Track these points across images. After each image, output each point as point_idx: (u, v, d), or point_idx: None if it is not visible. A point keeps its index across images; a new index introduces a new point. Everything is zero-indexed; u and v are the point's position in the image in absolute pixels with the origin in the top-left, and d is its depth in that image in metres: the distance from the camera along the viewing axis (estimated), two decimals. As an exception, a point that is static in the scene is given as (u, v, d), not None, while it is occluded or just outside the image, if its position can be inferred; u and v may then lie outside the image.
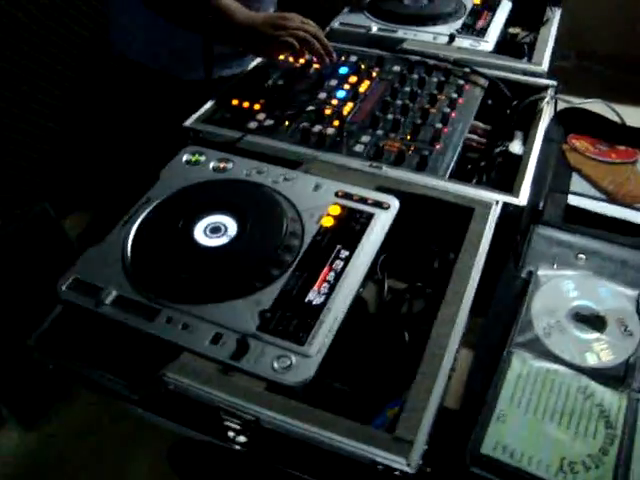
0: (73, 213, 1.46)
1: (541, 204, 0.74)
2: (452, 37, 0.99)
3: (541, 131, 0.81)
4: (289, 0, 1.15)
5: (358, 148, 0.77)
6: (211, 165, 0.72)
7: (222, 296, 0.57)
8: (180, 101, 0.89)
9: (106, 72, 1.27)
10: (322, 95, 0.87)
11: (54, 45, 1.37)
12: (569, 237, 0.69)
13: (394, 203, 0.66)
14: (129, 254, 0.61)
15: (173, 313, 0.56)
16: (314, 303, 0.56)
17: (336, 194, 0.67)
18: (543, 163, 0.79)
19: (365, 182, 0.70)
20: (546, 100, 0.86)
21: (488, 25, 1.03)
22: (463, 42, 0.98)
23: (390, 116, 0.82)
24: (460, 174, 0.77)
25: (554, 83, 0.90)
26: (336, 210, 0.65)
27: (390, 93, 0.87)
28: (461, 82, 0.88)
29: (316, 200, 0.66)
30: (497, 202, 0.67)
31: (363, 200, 0.66)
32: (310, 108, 0.84)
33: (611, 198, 0.77)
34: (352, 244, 0.62)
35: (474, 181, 0.77)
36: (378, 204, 0.66)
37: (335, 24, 1.06)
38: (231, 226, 0.63)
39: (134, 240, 0.62)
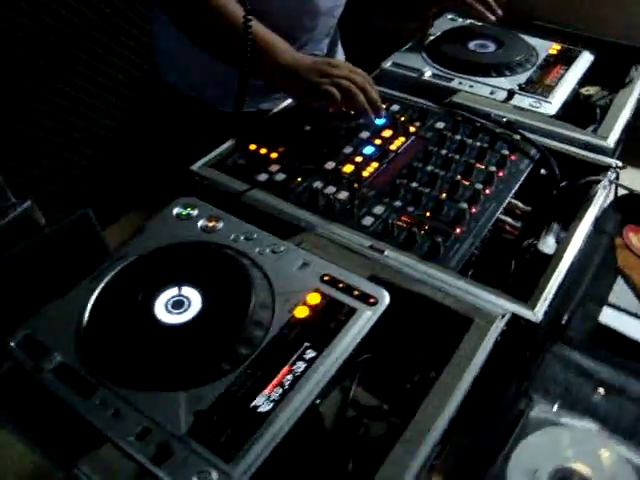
0: (118, 222, 1.50)
1: (566, 315, 0.66)
2: (511, 94, 0.90)
3: (587, 223, 0.72)
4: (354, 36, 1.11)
5: (367, 221, 0.71)
6: (199, 223, 0.69)
7: (161, 384, 0.53)
8: (215, 132, 0.87)
9: (151, 94, 1.29)
10: (348, 149, 0.82)
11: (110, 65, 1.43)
12: (591, 364, 0.61)
13: (383, 299, 0.60)
14: (86, 318, 0.59)
15: (108, 395, 0.53)
16: (259, 410, 0.52)
17: (322, 278, 0.62)
18: (583, 261, 0.70)
19: (360, 267, 0.65)
20: (602, 183, 0.77)
21: (557, 82, 0.94)
22: (523, 101, 0.90)
23: (414, 185, 0.75)
24: (479, 264, 0.70)
25: (618, 164, 0.80)
26: (315, 299, 0.60)
27: (423, 156, 0.80)
28: (506, 152, 0.79)
29: (297, 282, 0.61)
30: (503, 315, 0.60)
31: (349, 290, 0.61)
32: (329, 165, 0.79)
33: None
34: (322, 344, 0.56)
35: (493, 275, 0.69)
36: (364, 297, 0.60)
37: (387, 64, 1.00)
38: (195, 302, 0.60)
39: (94, 302, 0.60)
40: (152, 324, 0.58)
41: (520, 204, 0.77)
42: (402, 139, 0.84)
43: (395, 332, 0.60)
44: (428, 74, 0.96)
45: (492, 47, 1.02)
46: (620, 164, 0.80)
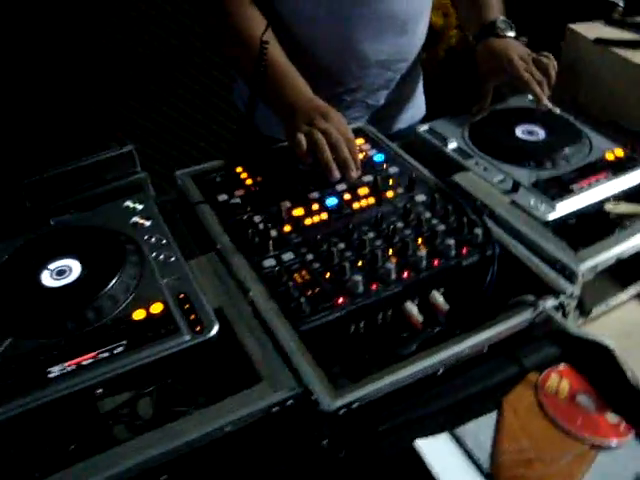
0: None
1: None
2: (516, 186, 0.87)
3: (479, 339, 0.69)
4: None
5: (268, 262, 0.77)
6: (133, 219, 0.83)
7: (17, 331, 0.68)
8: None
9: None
10: (314, 195, 0.88)
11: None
12: None
13: (210, 331, 0.67)
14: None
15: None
16: (49, 376, 0.64)
17: (178, 294, 0.72)
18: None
19: (220, 296, 0.73)
20: (537, 310, 0.72)
21: (584, 190, 0.87)
22: (526, 197, 0.86)
23: (340, 245, 0.79)
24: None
25: (574, 293, 0.74)
26: (157, 308, 0.70)
27: (374, 222, 0.83)
28: (451, 241, 0.78)
29: (158, 289, 0.72)
30: (293, 388, 0.63)
31: (189, 312, 0.69)
32: (284, 205, 0.86)
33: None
34: (133, 347, 0.66)
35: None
36: (195, 323, 0.68)
37: (421, 128, 1.02)
38: (75, 272, 0.74)
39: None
40: (35, 287, 0.73)
41: (440, 299, 0.76)
42: (371, 201, 0.87)
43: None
44: (450, 147, 0.96)
45: (540, 135, 0.98)
46: (575, 293, 0.74)
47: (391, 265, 0.75)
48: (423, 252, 0.76)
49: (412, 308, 0.74)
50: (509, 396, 0.69)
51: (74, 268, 0.75)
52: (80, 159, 0.87)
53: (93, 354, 0.66)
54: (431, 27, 1.23)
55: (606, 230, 0.84)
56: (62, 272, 0.74)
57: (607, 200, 0.88)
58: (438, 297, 0.76)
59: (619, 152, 0.95)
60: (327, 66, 1.09)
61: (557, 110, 1.01)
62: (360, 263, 0.77)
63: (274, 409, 0.62)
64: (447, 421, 0.66)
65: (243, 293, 0.73)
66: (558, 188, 0.88)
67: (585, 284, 0.77)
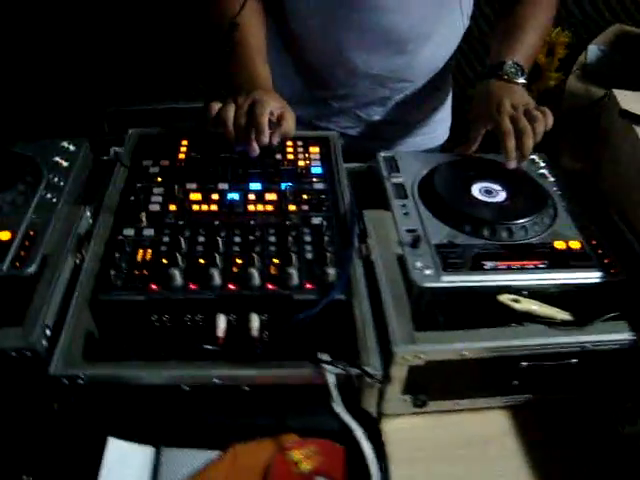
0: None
1: None
2: (416, 242, 0.81)
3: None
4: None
5: (127, 231, 0.83)
6: (56, 158, 0.94)
7: None
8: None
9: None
10: (222, 186, 0.91)
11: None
12: None
13: (29, 268, 0.76)
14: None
15: None
16: None
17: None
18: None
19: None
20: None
21: (493, 272, 0.80)
22: (419, 257, 0.80)
23: (199, 238, 0.82)
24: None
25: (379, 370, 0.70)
26: (5, 235, 0.80)
27: (244, 228, 0.84)
28: (293, 272, 0.77)
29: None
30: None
31: (27, 246, 0.79)
32: (190, 185, 0.91)
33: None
34: None
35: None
36: (21, 260, 0.78)
37: (383, 154, 0.99)
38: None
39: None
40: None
41: (255, 324, 0.75)
42: (269, 208, 0.88)
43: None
44: (394, 181, 0.92)
45: (498, 197, 0.90)
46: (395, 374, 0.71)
47: (215, 272, 0.76)
48: (255, 272, 0.76)
49: (220, 321, 0.75)
50: (243, 445, 0.68)
51: None
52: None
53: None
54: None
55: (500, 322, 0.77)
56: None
57: (520, 291, 0.79)
58: (254, 321, 0.76)
59: (575, 244, 0.84)
60: (316, 67, 1.10)
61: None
62: (202, 261, 0.79)
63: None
64: (162, 436, 0.68)
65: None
66: (468, 260, 0.80)
67: (424, 372, 0.73)
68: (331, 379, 0.68)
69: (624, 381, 0.81)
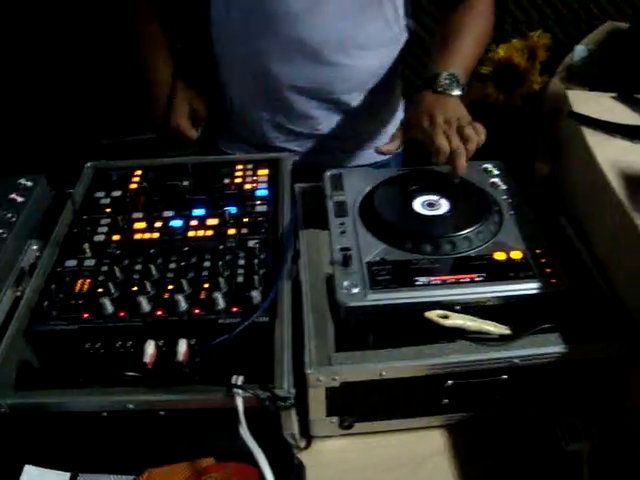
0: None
1: None
2: (347, 260, 0.84)
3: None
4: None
5: (69, 262, 0.89)
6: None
7: None
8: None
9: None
10: (168, 213, 0.97)
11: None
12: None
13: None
14: None
15: None
16: None
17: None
18: None
19: None
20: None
21: (425, 288, 0.81)
22: (348, 275, 0.82)
23: (136, 266, 0.87)
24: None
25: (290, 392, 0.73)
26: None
27: (179, 255, 0.88)
28: (218, 296, 0.81)
29: None
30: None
31: None
32: (135, 215, 0.96)
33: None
34: None
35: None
36: None
37: (330, 172, 1.02)
38: None
39: None
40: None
41: (182, 348, 0.79)
42: (209, 233, 0.92)
43: None
44: (335, 199, 0.95)
45: (440, 209, 0.92)
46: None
47: (143, 299, 0.81)
48: (181, 298, 0.81)
49: (148, 347, 0.80)
50: (158, 469, 0.71)
51: None
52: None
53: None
54: (513, 69, 1.18)
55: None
56: None
57: (453, 306, 0.81)
58: (181, 346, 0.80)
59: (517, 254, 0.85)
60: (242, 77, 1.17)
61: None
62: (134, 288, 0.84)
63: None
64: (79, 462, 0.73)
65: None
66: (399, 276, 0.82)
67: (347, 393, 0.75)
68: (239, 403, 0.71)
69: (564, 395, 0.81)
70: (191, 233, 0.93)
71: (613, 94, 1.01)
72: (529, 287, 0.81)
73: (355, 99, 1.19)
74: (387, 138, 1.22)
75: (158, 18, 1.18)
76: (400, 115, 1.33)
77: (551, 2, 1.71)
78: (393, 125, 1.29)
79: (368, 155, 1.26)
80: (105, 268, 0.88)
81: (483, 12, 1.12)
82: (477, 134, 0.91)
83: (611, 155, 0.87)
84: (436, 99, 0.98)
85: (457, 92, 1.00)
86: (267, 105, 1.20)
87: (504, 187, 0.97)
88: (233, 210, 0.96)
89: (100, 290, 0.84)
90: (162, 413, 0.74)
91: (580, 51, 1.36)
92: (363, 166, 1.26)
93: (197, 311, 0.81)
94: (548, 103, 1.10)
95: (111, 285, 0.83)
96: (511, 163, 1.05)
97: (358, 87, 1.18)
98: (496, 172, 1.01)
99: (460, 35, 1.07)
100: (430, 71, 1.03)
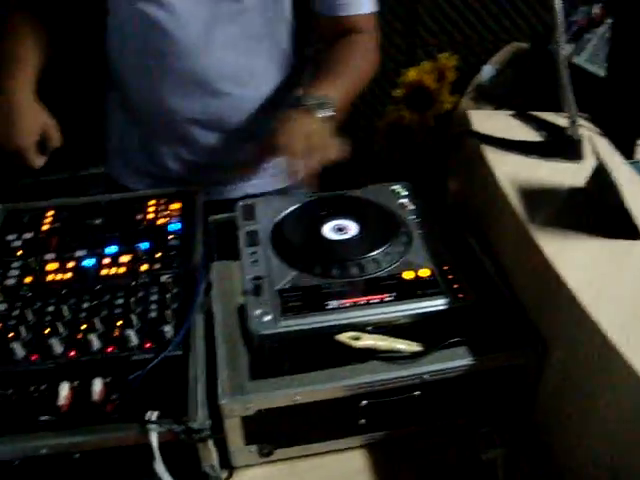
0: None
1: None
2: (258, 289, 0.86)
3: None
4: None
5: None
6: None
7: None
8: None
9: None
10: (80, 253, 0.97)
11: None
12: None
13: None
14: None
15: None
16: None
17: None
18: None
19: None
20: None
21: (337, 311, 0.83)
22: (260, 303, 0.84)
23: (47, 306, 0.87)
24: None
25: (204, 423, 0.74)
26: None
27: (91, 294, 0.89)
28: (131, 332, 0.82)
29: None
30: None
31: None
32: (48, 256, 0.96)
33: None
34: None
35: None
36: None
37: (242, 202, 1.04)
38: None
39: None
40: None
41: (97, 388, 0.80)
42: (122, 270, 0.93)
43: None
44: (246, 229, 0.97)
45: (349, 232, 0.95)
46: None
47: (55, 341, 0.81)
48: (93, 337, 0.81)
49: (62, 390, 0.80)
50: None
51: None
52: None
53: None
54: (423, 91, 1.22)
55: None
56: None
57: (365, 327, 0.83)
58: (96, 385, 0.80)
59: (425, 272, 0.88)
60: (142, 112, 1.19)
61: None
62: (47, 330, 0.84)
63: None
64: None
65: None
66: (310, 301, 0.84)
67: (263, 420, 0.77)
68: (154, 438, 0.72)
69: (478, 406, 0.84)
70: (104, 271, 0.93)
71: (512, 112, 1.06)
72: (437, 303, 0.84)
73: (255, 128, 1.21)
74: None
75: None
76: None
77: (459, 26, 1.81)
78: None
79: (264, 184, 1.28)
80: (16, 312, 0.87)
81: (363, 50, 1.17)
82: (328, 151, 0.95)
83: (509, 171, 0.92)
84: (299, 119, 1.01)
85: (323, 114, 1.03)
86: (168, 138, 1.22)
87: (412, 207, 1.01)
88: (146, 246, 0.97)
89: (11, 335, 0.83)
90: (77, 455, 0.74)
91: (487, 71, 1.43)
92: (271, 193, 1.28)
93: (110, 349, 0.81)
94: (456, 123, 1.15)
95: (22, 329, 0.83)
96: (426, 182, 1.09)
97: (257, 116, 1.20)
98: (404, 193, 1.04)
99: (337, 64, 1.12)
100: (302, 90, 1.08)
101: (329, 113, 1.03)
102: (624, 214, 0.81)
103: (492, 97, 1.34)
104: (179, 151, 1.23)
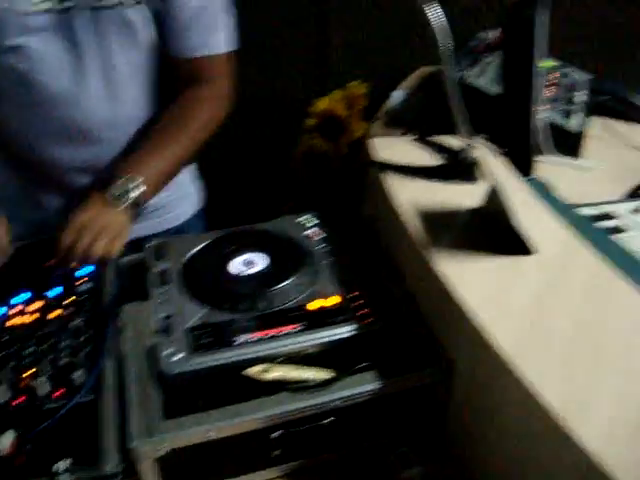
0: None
1: None
2: (170, 328, 0.87)
3: None
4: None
5: None
6: None
7: None
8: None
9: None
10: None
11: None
12: None
13: None
14: None
15: None
16: None
17: None
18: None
19: None
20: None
21: (244, 346, 0.85)
22: (171, 342, 0.85)
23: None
24: None
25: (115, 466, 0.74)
26: None
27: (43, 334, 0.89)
28: (44, 380, 0.82)
29: None
30: None
31: None
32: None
33: None
34: None
35: None
36: None
37: (153, 242, 1.06)
38: None
39: None
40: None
41: (6, 443, 0.80)
42: (34, 317, 0.93)
43: None
44: (155, 270, 0.99)
45: (258, 266, 0.98)
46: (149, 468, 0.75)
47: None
48: (2, 388, 0.81)
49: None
50: None
51: None
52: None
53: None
54: (334, 120, 1.25)
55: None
56: None
57: (274, 359, 0.86)
58: (6, 438, 0.80)
59: (334, 300, 0.91)
60: (25, 164, 1.18)
61: None
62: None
63: None
64: None
65: None
66: (220, 338, 0.86)
67: (178, 459, 0.78)
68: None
69: (393, 427, 0.87)
70: (13, 321, 0.93)
71: (413, 137, 1.11)
72: (345, 330, 0.87)
73: None
74: (172, 206, 1.32)
75: None
76: (189, 180, 1.39)
77: (370, 54, 1.88)
78: (179, 192, 1.34)
79: (150, 226, 1.29)
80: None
81: (210, 99, 1.19)
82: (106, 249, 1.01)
83: (408, 197, 0.97)
84: (96, 205, 1.06)
85: (123, 204, 1.05)
86: (55, 188, 1.21)
87: (322, 236, 1.04)
88: (57, 291, 0.97)
89: None
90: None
91: (397, 96, 1.48)
92: (162, 233, 1.30)
93: (20, 400, 0.81)
94: (365, 150, 1.19)
95: None
96: (343, 208, 1.13)
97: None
98: (314, 222, 1.08)
99: (164, 134, 1.15)
100: (113, 171, 1.10)
101: (131, 200, 1.06)
102: (515, 233, 0.86)
103: (401, 122, 1.39)
104: (66, 201, 1.22)
